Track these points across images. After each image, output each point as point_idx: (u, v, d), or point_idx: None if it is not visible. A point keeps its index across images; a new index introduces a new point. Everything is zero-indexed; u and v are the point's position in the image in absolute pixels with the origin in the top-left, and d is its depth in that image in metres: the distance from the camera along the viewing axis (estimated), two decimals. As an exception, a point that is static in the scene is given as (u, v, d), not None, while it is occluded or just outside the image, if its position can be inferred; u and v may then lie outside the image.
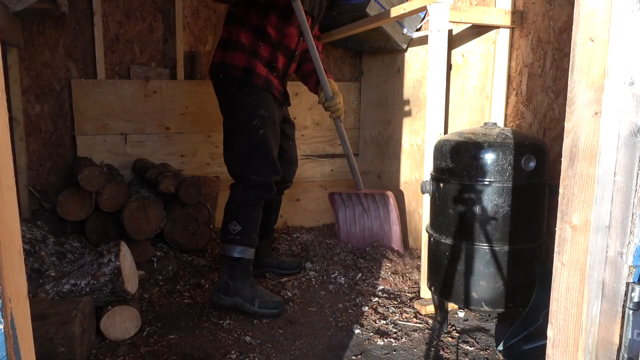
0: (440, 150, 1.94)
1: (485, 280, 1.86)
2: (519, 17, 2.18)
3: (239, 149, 2.17)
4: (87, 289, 1.84)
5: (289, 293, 2.35)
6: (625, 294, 0.86)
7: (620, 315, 0.87)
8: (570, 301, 0.90)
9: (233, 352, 1.83)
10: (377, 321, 2.08)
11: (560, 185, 0.91)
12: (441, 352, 1.85)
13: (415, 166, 2.99)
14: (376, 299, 2.29)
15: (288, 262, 2.64)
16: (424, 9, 2.28)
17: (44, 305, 1.70)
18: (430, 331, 2.01)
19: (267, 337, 1.96)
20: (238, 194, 2.18)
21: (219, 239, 2.32)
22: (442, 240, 1.94)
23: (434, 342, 1.92)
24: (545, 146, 1.88)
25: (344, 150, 2.65)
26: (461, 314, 2.17)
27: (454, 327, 2.05)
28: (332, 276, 2.54)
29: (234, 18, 2.19)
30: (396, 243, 2.82)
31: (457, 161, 1.86)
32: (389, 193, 2.81)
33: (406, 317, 2.12)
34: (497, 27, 2.22)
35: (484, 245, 1.84)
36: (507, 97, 2.29)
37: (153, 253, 2.71)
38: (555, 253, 0.93)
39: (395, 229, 2.81)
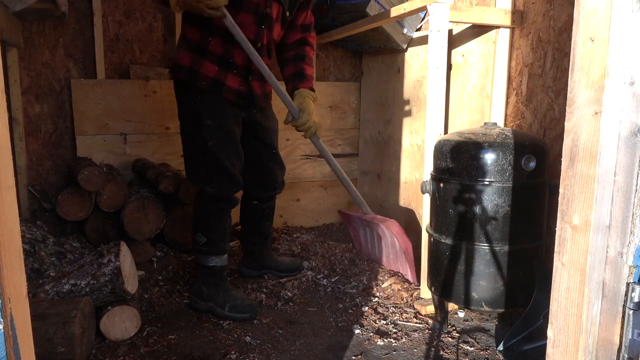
0: (440, 150, 1.94)
1: (485, 281, 1.86)
2: (519, 17, 2.18)
3: (192, 159, 2.07)
4: (87, 289, 1.84)
5: (289, 293, 2.35)
6: (626, 294, 0.86)
7: (621, 315, 0.87)
8: (570, 301, 0.90)
9: (233, 352, 1.83)
10: (377, 321, 2.08)
11: (560, 185, 0.91)
12: (441, 352, 1.85)
13: (415, 166, 2.99)
14: (376, 299, 2.29)
15: (287, 264, 2.59)
16: (424, 8, 2.28)
17: (43, 305, 1.70)
18: (430, 331, 2.01)
19: (267, 337, 1.96)
20: (200, 205, 2.10)
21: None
22: (442, 240, 1.94)
23: (434, 342, 1.92)
24: (546, 146, 1.88)
25: (334, 171, 2.31)
26: (461, 314, 2.17)
27: (454, 327, 2.05)
28: (332, 276, 2.54)
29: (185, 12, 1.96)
30: (409, 275, 2.43)
31: (457, 161, 1.86)
32: (391, 223, 2.45)
33: (406, 317, 2.12)
34: (497, 27, 2.22)
35: (484, 245, 1.84)
36: (507, 97, 2.29)
37: (153, 253, 2.71)
38: (555, 253, 0.93)
39: (402, 260, 2.44)
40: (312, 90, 2.19)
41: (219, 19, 1.88)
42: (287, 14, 2.12)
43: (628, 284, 0.86)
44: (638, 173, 0.84)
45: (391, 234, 2.43)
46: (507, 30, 2.22)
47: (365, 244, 2.79)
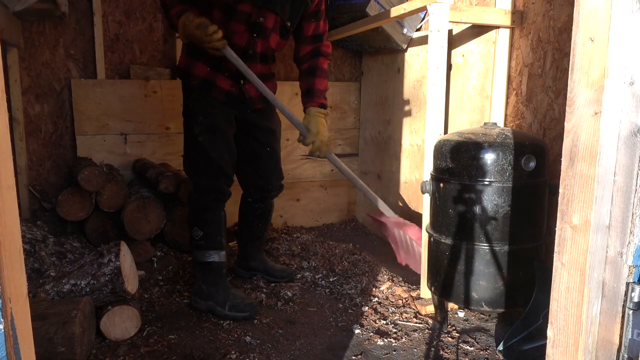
0: (440, 150, 1.94)
1: (485, 280, 1.86)
2: (519, 17, 2.18)
3: (186, 152, 2.17)
4: (87, 289, 1.84)
5: (289, 293, 2.35)
6: (625, 294, 0.86)
7: (620, 315, 0.87)
8: (570, 301, 0.90)
9: (233, 352, 1.83)
10: (377, 321, 2.08)
11: (560, 185, 0.91)
12: (441, 352, 1.85)
13: (415, 166, 2.99)
14: (376, 299, 2.29)
15: (277, 270, 2.53)
16: (424, 9, 2.28)
17: (44, 305, 1.70)
18: (430, 331, 2.01)
19: (267, 337, 1.96)
20: (193, 199, 2.17)
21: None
22: (442, 240, 1.94)
23: (434, 342, 1.92)
24: (545, 146, 1.88)
25: (353, 183, 2.27)
26: (461, 314, 2.17)
27: (454, 327, 2.05)
28: (332, 276, 2.54)
29: None
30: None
31: (457, 161, 1.86)
32: (414, 229, 2.28)
33: (406, 317, 2.12)
34: (497, 27, 2.22)
35: (484, 245, 1.84)
36: (507, 97, 2.29)
37: (153, 253, 2.72)
38: (555, 253, 0.93)
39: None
40: (323, 105, 2.18)
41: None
42: (288, 24, 2.14)
43: (628, 284, 0.86)
44: (638, 173, 0.84)
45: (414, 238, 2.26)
46: (507, 31, 2.22)
47: (402, 244, 2.47)
